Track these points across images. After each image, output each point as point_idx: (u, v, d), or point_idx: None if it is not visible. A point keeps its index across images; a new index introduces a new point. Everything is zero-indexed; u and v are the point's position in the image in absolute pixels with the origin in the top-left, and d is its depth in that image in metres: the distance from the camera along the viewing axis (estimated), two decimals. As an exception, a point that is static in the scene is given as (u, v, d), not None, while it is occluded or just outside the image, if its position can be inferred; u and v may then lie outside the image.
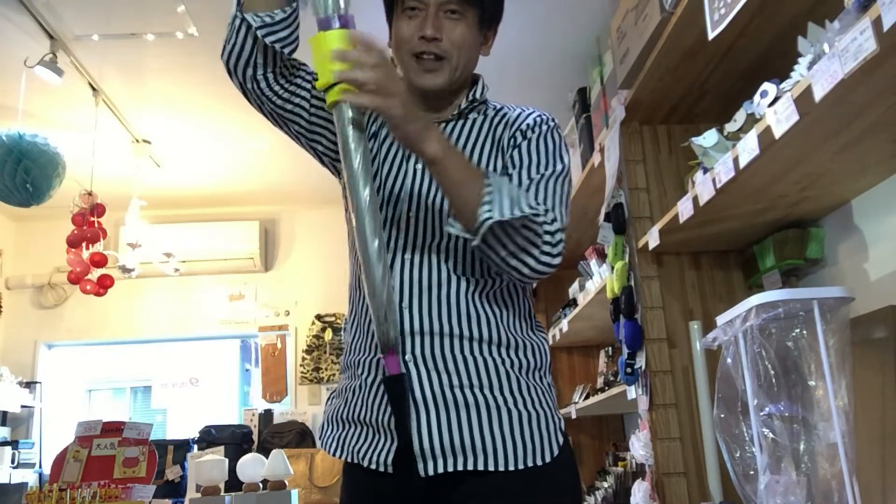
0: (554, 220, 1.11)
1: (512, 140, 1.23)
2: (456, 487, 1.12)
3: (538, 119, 1.24)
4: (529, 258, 1.09)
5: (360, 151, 1.01)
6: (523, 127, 1.23)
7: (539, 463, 1.13)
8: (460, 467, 1.10)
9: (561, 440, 1.18)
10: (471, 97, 1.27)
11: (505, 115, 1.27)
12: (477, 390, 1.14)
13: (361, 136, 1.02)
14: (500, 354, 1.17)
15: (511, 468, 1.11)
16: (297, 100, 1.23)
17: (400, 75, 1.28)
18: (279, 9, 1.15)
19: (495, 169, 1.22)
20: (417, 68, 1.21)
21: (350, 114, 1.01)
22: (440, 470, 1.10)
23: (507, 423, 1.13)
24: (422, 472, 1.11)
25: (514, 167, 1.19)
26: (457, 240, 1.17)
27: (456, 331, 1.15)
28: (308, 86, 1.23)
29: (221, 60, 1.20)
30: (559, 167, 1.20)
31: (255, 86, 1.20)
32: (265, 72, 1.19)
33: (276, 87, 1.21)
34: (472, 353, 1.15)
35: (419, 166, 1.22)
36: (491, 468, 1.11)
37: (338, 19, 1.00)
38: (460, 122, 1.27)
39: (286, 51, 1.18)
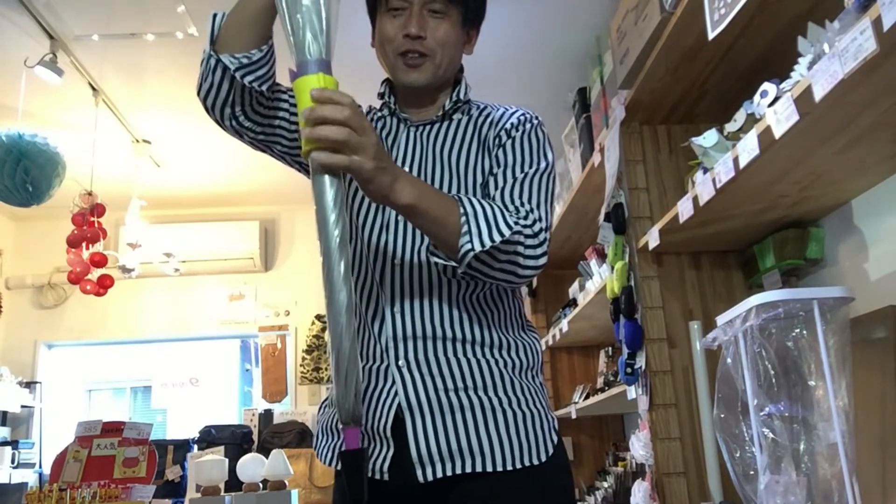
0: (536, 221, 1.12)
1: (497, 139, 1.23)
2: (452, 489, 1.13)
3: (522, 118, 1.24)
4: (516, 267, 1.10)
5: (338, 224, 0.93)
6: (507, 126, 1.23)
7: (535, 462, 1.14)
8: (458, 471, 1.11)
9: (555, 439, 1.18)
10: (455, 98, 1.27)
11: (489, 114, 1.27)
12: (471, 392, 1.14)
13: (340, 185, 0.95)
14: (492, 355, 1.17)
15: (508, 468, 1.11)
16: (276, 122, 1.22)
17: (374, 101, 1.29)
18: (255, 48, 1.13)
19: (482, 169, 1.21)
20: (402, 66, 1.21)
21: (332, 179, 0.95)
22: (439, 475, 1.10)
23: (502, 423, 1.13)
24: (421, 478, 1.10)
25: (499, 166, 1.20)
26: None
27: (448, 334, 1.15)
28: (286, 105, 1.22)
29: (198, 98, 1.18)
30: (543, 165, 1.20)
31: (233, 122, 1.19)
32: (243, 106, 1.18)
33: (256, 117, 1.20)
34: (464, 354, 1.16)
35: (406, 169, 1.21)
36: (489, 469, 1.11)
37: (316, 64, 0.95)
38: (445, 124, 1.27)
39: (264, 87, 1.16)
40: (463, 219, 1.04)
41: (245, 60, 1.12)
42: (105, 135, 3.76)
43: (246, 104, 1.18)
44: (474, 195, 1.19)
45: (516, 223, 1.08)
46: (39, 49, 3.04)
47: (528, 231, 1.09)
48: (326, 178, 0.94)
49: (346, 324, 0.91)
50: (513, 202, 1.14)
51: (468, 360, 1.16)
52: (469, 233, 1.03)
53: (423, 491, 1.12)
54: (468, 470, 1.11)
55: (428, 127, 1.27)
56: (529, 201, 1.15)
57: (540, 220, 1.13)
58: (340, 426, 1.20)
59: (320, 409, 1.31)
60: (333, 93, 0.93)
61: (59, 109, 3.61)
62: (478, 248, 1.03)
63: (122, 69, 3.33)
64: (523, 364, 1.21)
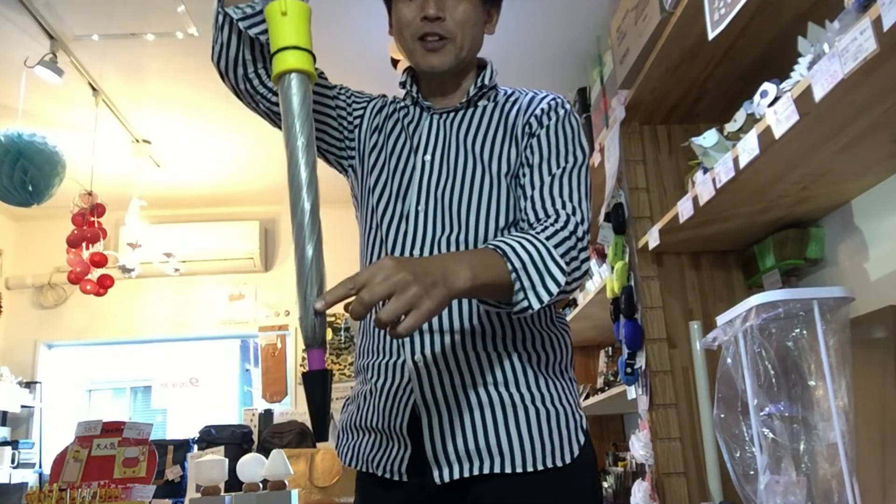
0: (578, 225, 1.06)
1: (527, 127, 1.17)
2: (471, 491, 1.07)
3: (552, 104, 1.18)
4: (567, 286, 1.02)
5: (305, 130, 0.90)
6: (538, 112, 1.17)
7: (559, 464, 1.07)
8: (476, 472, 1.05)
9: (582, 439, 1.11)
10: (479, 83, 1.21)
11: (516, 100, 1.21)
12: (491, 388, 1.08)
13: (309, 112, 0.93)
14: (515, 349, 1.11)
15: (530, 469, 1.05)
16: None
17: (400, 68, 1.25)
18: None
19: (508, 157, 1.15)
20: (422, 51, 1.17)
21: (298, 87, 0.92)
22: (456, 476, 1.05)
23: (524, 421, 1.07)
24: (437, 480, 1.06)
25: (533, 158, 1.14)
26: (467, 233, 1.12)
27: (468, 326, 1.09)
28: None
29: (212, 62, 1.16)
30: (580, 157, 1.14)
31: (247, 85, 1.16)
32: (255, 69, 1.15)
33: (270, 84, 1.16)
34: (484, 349, 1.09)
35: (427, 157, 1.18)
36: (508, 470, 1.05)
37: None
38: (470, 111, 1.21)
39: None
40: (513, 276, 0.94)
41: (249, 10, 1.09)
42: (105, 135, 3.76)
43: (258, 64, 1.14)
44: (499, 185, 1.14)
45: (563, 256, 1.00)
46: (39, 49, 3.04)
47: (571, 242, 1.03)
48: (294, 84, 0.91)
49: (310, 230, 0.87)
50: (553, 203, 1.08)
51: (488, 355, 1.09)
52: (523, 289, 0.95)
53: (441, 492, 1.07)
54: (487, 471, 1.05)
55: (452, 114, 1.21)
56: (570, 199, 1.09)
57: (582, 221, 1.07)
58: (360, 424, 1.15)
59: (343, 407, 1.25)
60: (338, 288, 0.83)
61: (59, 109, 3.61)
62: (536, 305, 0.95)
63: (122, 69, 3.33)
64: (549, 358, 1.14)
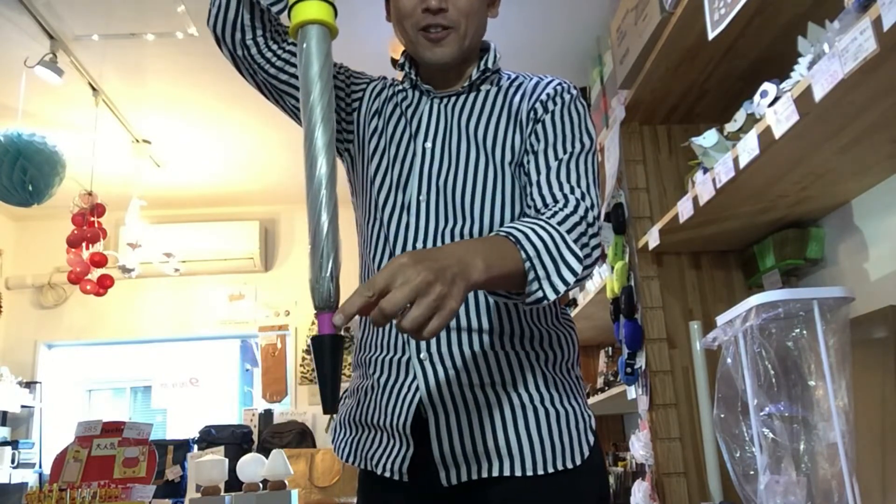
0: (588, 210, 1.01)
1: (532, 113, 1.13)
2: (477, 494, 1.05)
3: (558, 88, 1.14)
4: (582, 274, 0.96)
5: (325, 93, 0.85)
6: (543, 97, 1.13)
7: (569, 466, 1.04)
8: (485, 474, 1.03)
9: (591, 440, 1.09)
10: (482, 66, 1.17)
11: (521, 85, 1.18)
12: (499, 388, 1.05)
13: (330, 72, 0.88)
14: (522, 347, 1.08)
15: (539, 472, 1.03)
16: (291, 69, 1.15)
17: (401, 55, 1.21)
18: None
19: (512, 144, 1.11)
20: (424, 42, 1.12)
21: (319, 43, 0.86)
22: (464, 478, 1.03)
23: (532, 422, 1.04)
24: (444, 482, 1.03)
25: (538, 144, 1.10)
26: (472, 225, 1.09)
27: (475, 324, 1.06)
28: None
29: (208, 28, 1.13)
30: (587, 143, 1.10)
31: (245, 52, 1.13)
32: (254, 36, 1.13)
33: (268, 54, 1.14)
34: (491, 347, 1.06)
35: (428, 144, 1.13)
36: (518, 473, 1.02)
37: None
38: (472, 95, 1.17)
39: (274, 9, 1.09)
40: (527, 264, 0.88)
41: None
42: (105, 135, 3.77)
43: (258, 32, 1.12)
44: (503, 174, 1.10)
45: (576, 241, 0.94)
46: (39, 49, 3.04)
47: (582, 227, 0.97)
48: (314, 39, 0.86)
49: (327, 197, 0.82)
50: (561, 188, 1.04)
51: (496, 353, 1.06)
52: (537, 279, 0.89)
53: (445, 493, 1.05)
54: (495, 474, 1.02)
55: (453, 98, 1.17)
56: (579, 185, 1.04)
57: (592, 206, 1.02)
58: (360, 419, 1.12)
59: (340, 400, 1.20)
60: (356, 297, 0.76)
61: (59, 109, 3.61)
62: (552, 296, 0.89)
63: (122, 69, 3.33)
64: (557, 356, 1.11)
